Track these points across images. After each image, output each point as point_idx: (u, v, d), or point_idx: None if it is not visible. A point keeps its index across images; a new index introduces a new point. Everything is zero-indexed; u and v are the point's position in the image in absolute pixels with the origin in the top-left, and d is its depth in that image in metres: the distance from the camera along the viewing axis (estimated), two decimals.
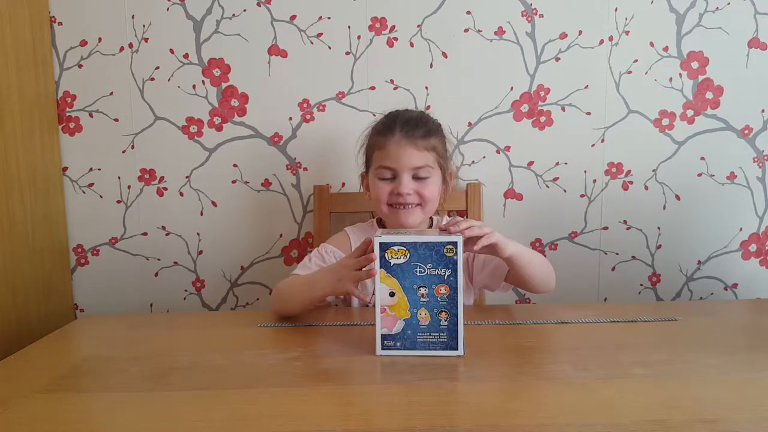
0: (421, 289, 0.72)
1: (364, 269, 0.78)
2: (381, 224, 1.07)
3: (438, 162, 0.98)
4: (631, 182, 1.33)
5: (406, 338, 0.73)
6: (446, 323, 0.72)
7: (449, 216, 1.14)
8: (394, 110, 1.03)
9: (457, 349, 0.72)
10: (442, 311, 0.72)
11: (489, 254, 0.88)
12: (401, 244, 0.71)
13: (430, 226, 1.05)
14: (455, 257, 0.71)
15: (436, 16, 1.27)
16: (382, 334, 0.74)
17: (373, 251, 0.73)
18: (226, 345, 0.80)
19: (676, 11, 1.27)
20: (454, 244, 0.71)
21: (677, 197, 1.34)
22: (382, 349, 0.74)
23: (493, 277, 0.98)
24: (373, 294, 0.74)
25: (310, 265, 0.99)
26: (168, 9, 1.27)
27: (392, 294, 0.73)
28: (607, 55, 1.29)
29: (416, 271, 0.72)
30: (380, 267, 0.72)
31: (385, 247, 0.72)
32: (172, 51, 1.28)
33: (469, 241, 0.80)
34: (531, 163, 1.32)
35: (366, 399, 0.61)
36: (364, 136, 1.05)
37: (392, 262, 0.72)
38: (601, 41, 1.28)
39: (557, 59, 1.29)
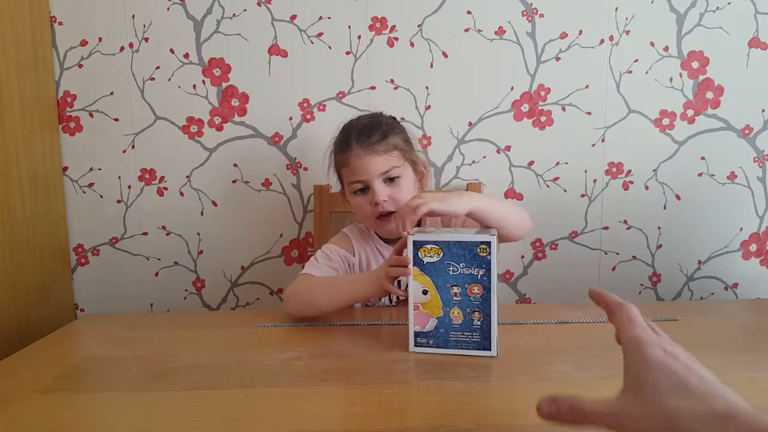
0: (454, 288, 0.71)
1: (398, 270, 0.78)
2: None
3: (403, 157, 0.98)
4: (631, 182, 1.33)
5: (438, 336, 0.73)
6: (479, 323, 0.71)
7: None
8: (347, 122, 1.02)
9: (490, 349, 0.71)
10: (475, 311, 0.71)
11: (444, 220, 0.90)
12: (434, 242, 0.71)
13: (417, 225, 1.05)
14: (489, 257, 0.69)
15: (436, 16, 1.27)
16: (415, 332, 0.74)
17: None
18: (226, 345, 0.80)
19: (676, 11, 1.27)
20: (488, 243, 0.69)
21: (677, 197, 1.34)
22: (415, 345, 0.74)
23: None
24: (406, 289, 0.74)
25: (319, 265, 0.98)
26: (168, 9, 1.27)
27: (425, 292, 0.72)
28: (608, 55, 1.29)
29: (449, 270, 0.71)
30: (414, 265, 0.72)
31: (418, 245, 0.72)
32: (172, 51, 1.28)
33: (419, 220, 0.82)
34: (531, 162, 1.32)
35: (366, 399, 0.60)
36: (329, 154, 1.05)
37: (425, 260, 0.72)
38: (602, 41, 1.28)
39: (557, 59, 1.29)
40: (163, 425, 0.56)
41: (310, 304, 0.90)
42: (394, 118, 1.05)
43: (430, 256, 0.71)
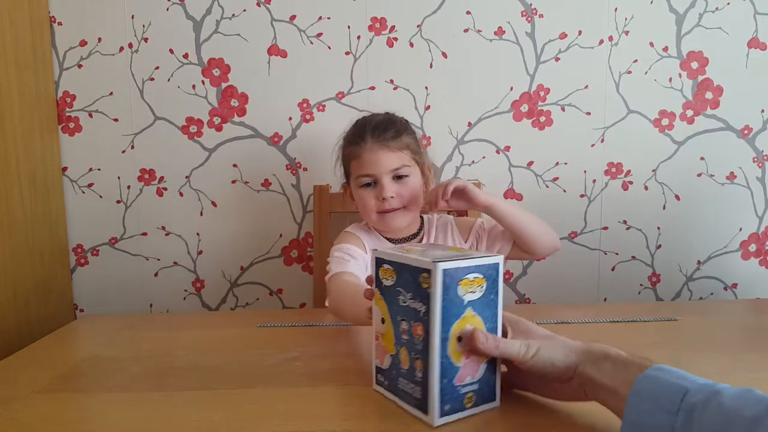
0: (403, 322, 0.55)
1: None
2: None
3: (414, 159, 0.99)
4: (630, 182, 1.33)
5: (391, 378, 0.58)
6: (420, 376, 0.53)
7: (449, 214, 1.14)
8: (361, 117, 1.04)
9: (426, 412, 0.52)
10: (418, 358, 0.53)
11: (465, 205, 0.93)
12: (390, 262, 0.56)
13: (421, 225, 1.06)
14: (429, 290, 0.50)
15: (436, 16, 1.27)
16: (376, 366, 0.61)
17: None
18: (226, 345, 0.80)
19: (675, 11, 1.27)
20: (428, 272, 0.50)
21: (677, 197, 1.34)
22: (376, 383, 0.61)
23: (503, 238, 1.01)
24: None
25: (346, 262, 0.95)
26: (168, 9, 1.27)
27: (383, 320, 0.59)
28: (607, 55, 1.29)
29: (399, 299, 0.55)
30: (376, 285, 0.60)
31: (379, 262, 0.58)
32: (171, 51, 1.28)
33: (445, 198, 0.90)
34: (531, 163, 1.33)
35: (366, 399, 0.60)
36: (338, 148, 1.06)
37: (384, 282, 0.58)
38: (601, 41, 1.28)
39: (557, 59, 1.29)
40: (163, 425, 0.56)
41: (334, 310, 0.90)
42: (407, 120, 1.06)
43: (386, 278, 0.57)
